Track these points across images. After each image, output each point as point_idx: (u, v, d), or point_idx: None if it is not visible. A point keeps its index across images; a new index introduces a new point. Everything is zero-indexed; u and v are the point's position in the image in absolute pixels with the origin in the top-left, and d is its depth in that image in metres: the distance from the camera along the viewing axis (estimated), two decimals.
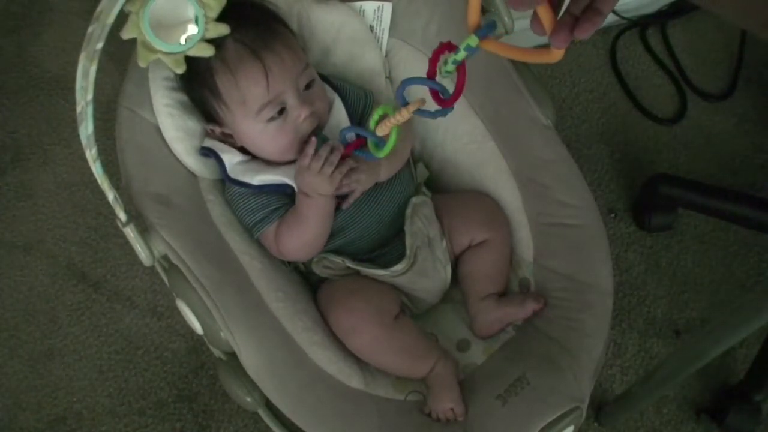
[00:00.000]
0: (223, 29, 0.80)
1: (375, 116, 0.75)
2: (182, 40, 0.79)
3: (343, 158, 0.83)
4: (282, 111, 0.85)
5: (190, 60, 0.81)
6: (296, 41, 0.89)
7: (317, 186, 0.83)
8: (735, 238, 1.31)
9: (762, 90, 1.44)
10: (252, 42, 0.82)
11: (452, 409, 0.81)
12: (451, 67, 0.66)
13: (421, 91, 0.69)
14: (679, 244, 1.30)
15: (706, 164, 1.38)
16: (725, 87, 1.45)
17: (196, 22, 0.78)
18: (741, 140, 1.40)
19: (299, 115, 0.85)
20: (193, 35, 0.79)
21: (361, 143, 0.82)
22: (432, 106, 0.69)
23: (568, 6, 0.56)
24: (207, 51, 0.80)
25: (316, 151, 0.83)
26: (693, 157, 1.38)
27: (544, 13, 0.55)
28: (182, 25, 0.78)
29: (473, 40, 0.63)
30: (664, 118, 1.42)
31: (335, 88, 0.94)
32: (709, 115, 1.43)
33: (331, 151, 0.82)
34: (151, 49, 0.78)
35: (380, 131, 0.74)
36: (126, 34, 0.78)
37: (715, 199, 1.26)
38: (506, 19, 0.93)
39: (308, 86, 0.87)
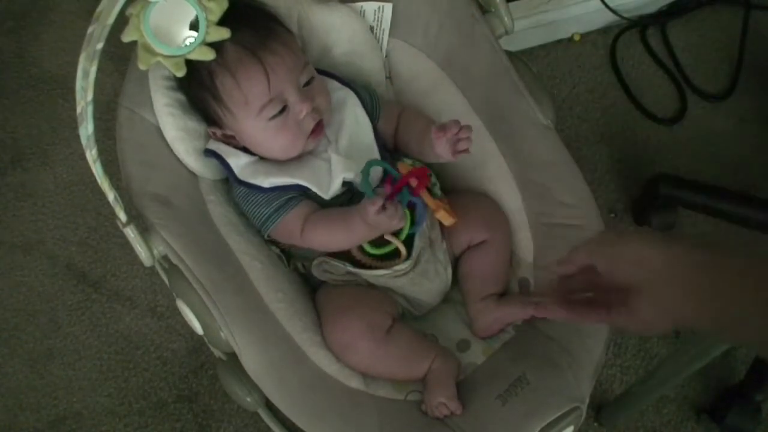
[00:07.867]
0: (224, 33, 0.80)
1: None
2: (183, 44, 0.79)
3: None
4: (283, 109, 0.85)
5: (189, 64, 0.81)
6: (295, 40, 0.89)
7: (387, 227, 0.82)
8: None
9: (762, 90, 1.43)
10: (251, 43, 0.82)
11: (445, 404, 0.81)
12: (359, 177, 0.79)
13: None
14: None
15: (706, 164, 1.37)
16: (725, 87, 1.45)
17: (198, 25, 0.78)
18: (741, 140, 1.40)
19: (301, 111, 0.85)
20: (194, 38, 0.79)
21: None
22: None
23: None
24: (208, 54, 0.80)
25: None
26: (693, 157, 1.38)
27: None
28: (183, 28, 0.78)
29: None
30: (664, 118, 1.41)
31: (348, 86, 0.94)
32: (709, 115, 1.43)
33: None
34: (152, 52, 0.78)
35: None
36: (126, 37, 0.78)
37: (715, 199, 1.26)
38: (506, 19, 0.93)
39: (308, 83, 0.87)
